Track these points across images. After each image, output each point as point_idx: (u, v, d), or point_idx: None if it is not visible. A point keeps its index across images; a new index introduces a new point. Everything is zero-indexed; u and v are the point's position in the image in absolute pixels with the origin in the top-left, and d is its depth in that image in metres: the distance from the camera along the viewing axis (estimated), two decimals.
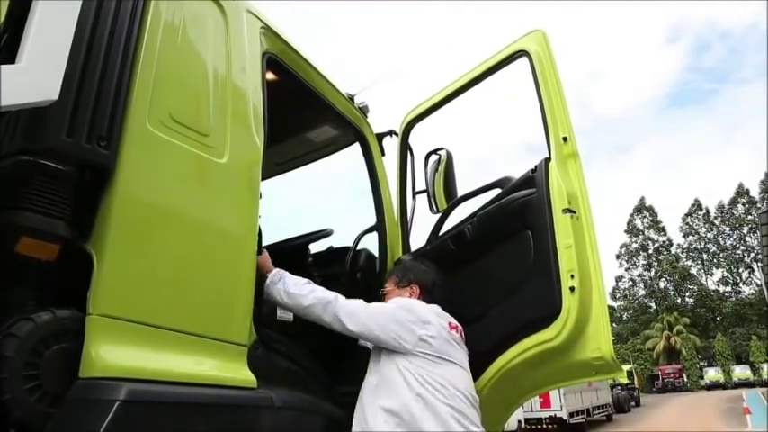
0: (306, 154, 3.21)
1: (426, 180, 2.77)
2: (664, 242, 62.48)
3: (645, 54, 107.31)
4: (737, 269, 59.48)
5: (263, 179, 1.89)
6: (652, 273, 61.62)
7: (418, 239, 2.72)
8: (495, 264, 2.15)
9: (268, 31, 2.12)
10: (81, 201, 1.35)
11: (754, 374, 43.16)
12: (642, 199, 64.71)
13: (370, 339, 1.92)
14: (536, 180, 2.09)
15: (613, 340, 1.99)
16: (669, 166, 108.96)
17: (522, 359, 1.96)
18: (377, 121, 2.89)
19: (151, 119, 1.48)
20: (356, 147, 2.93)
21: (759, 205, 53.59)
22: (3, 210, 1.26)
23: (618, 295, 62.44)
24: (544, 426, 14.58)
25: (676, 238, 63.12)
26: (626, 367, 32.71)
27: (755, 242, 53.34)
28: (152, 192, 1.46)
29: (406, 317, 1.87)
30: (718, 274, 60.78)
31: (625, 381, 27.18)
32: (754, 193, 58.35)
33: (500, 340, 2.02)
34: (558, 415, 14.41)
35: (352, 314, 1.87)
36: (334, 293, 1.92)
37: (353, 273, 2.55)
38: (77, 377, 1.23)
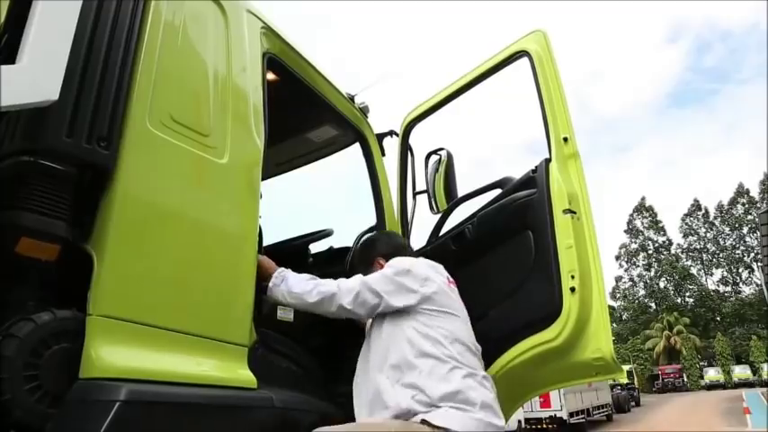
0: (306, 154, 3.21)
1: (427, 180, 2.77)
2: (663, 242, 62.51)
3: (645, 54, 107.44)
4: (737, 269, 59.48)
5: (263, 179, 1.89)
6: (652, 273, 61.62)
7: (418, 240, 2.72)
8: (496, 264, 2.14)
9: (268, 31, 2.12)
10: (81, 201, 1.34)
11: (754, 374, 43.15)
12: (642, 199, 64.80)
13: (379, 312, 1.88)
14: (536, 180, 2.09)
15: (613, 340, 1.98)
16: (669, 165, 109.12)
17: (523, 360, 1.95)
18: (377, 122, 2.90)
19: (151, 119, 1.47)
20: (356, 147, 2.93)
21: (759, 205, 53.57)
22: (3, 210, 1.26)
23: (618, 295, 62.48)
24: (544, 426, 14.57)
25: (676, 237, 63.23)
26: (626, 367, 32.74)
27: (755, 242, 53.35)
28: (152, 192, 1.46)
29: (406, 279, 1.85)
30: (718, 274, 60.88)
31: (625, 381, 27.19)
32: (754, 192, 58.43)
33: (500, 341, 2.02)
34: (558, 415, 14.40)
35: (355, 298, 1.85)
36: (336, 283, 1.89)
37: (354, 273, 2.54)
38: (77, 378, 1.23)
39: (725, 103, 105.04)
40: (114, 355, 1.26)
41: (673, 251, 62.19)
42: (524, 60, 2.30)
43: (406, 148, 2.88)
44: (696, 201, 63.54)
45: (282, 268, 1.93)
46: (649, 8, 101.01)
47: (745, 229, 58.92)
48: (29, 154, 1.26)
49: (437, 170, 2.73)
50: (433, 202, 2.70)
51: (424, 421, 1.63)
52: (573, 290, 1.85)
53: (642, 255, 62.57)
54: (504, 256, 2.14)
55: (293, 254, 2.52)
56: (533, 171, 2.13)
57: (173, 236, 1.49)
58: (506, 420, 2.33)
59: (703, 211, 62.36)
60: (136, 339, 1.32)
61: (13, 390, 1.15)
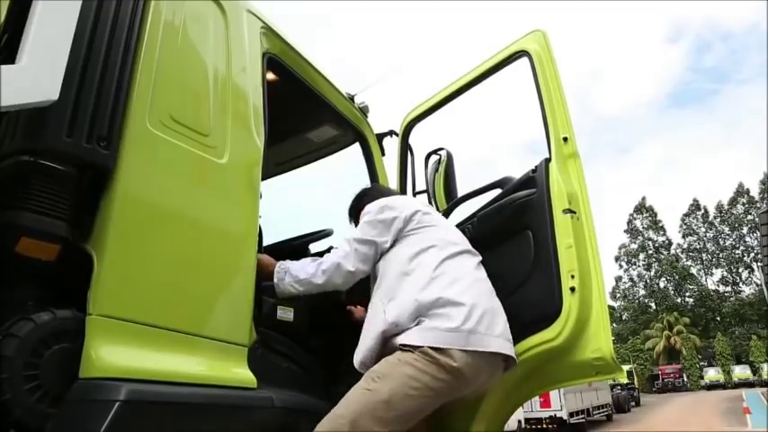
0: (306, 154, 3.21)
1: (426, 180, 2.77)
2: (663, 242, 62.50)
3: (645, 54, 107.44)
4: (737, 269, 59.47)
5: (263, 179, 1.89)
6: (652, 273, 61.62)
7: None
8: (496, 264, 2.14)
9: (268, 31, 2.12)
10: (81, 201, 1.34)
11: (754, 374, 43.15)
12: (643, 199, 64.80)
13: (378, 256, 1.91)
14: (536, 180, 2.09)
15: (613, 340, 1.98)
16: (669, 165, 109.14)
17: (523, 359, 1.95)
18: (377, 121, 2.90)
19: (151, 119, 1.48)
20: (356, 147, 2.93)
21: (759, 205, 53.56)
22: (3, 210, 1.26)
23: (618, 295, 62.49)
24: (544, 426, 14.57)
25: (676, 237, 63.23)
26: (626, 367, 32.76)
27: (755, 242, 53.35)
28: (152, 192, 1.46)
29: (385, 214, 1.91)
30: (717, 274, 60.87)
31: (625, 381, 27.18)
32: (755, 192, 58.40)
33: None
34: (558, 415, 14.41)
35: (355, 257, 1.87)
36: (332, 255, 1.92)
37: None
38: (77, 377, 1.23)
39: (725, 103, 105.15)
40: (114, 354, 1.26)
41: (673, 251, 62.18)
42: (524, 60, 2.30)
43: (405, 148, 2.88)
44: (695, 200, 63.60)
45: (281, 262, 1.94)
46: (649, 8, 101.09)
47: (744, 229, 58.90)
48: (29, 154, 1.26)
49: (437, 170, 2.73)
50: (433, 202, 2.70)
51: (402, 345, 1.63)
52: (573, 290, 1.85)
53: (642, 255, 62.55)
54: (503, 255, 2.13)
55: (293, 254, 2.51)
56: (533, 171, 2.13)
57: (172, 236, 1.50)
58: (506, 420, 2.34)
59: (702, 211, 62.36)
60: (136, 339, 1.32)
61: (13, 389, 1.15)
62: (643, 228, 63.15)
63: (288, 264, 1.93)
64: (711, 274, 61.14)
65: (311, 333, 2.16)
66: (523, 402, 2.48)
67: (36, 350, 1.21)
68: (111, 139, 1.36)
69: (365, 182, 2.79)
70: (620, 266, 63.27)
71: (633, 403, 26.40)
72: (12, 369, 1.16)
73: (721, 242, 60.98)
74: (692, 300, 59.17)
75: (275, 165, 3.18)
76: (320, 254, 2.78)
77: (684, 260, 61.55)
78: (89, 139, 1.32)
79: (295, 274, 1.89)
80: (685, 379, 46.16)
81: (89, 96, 1.34)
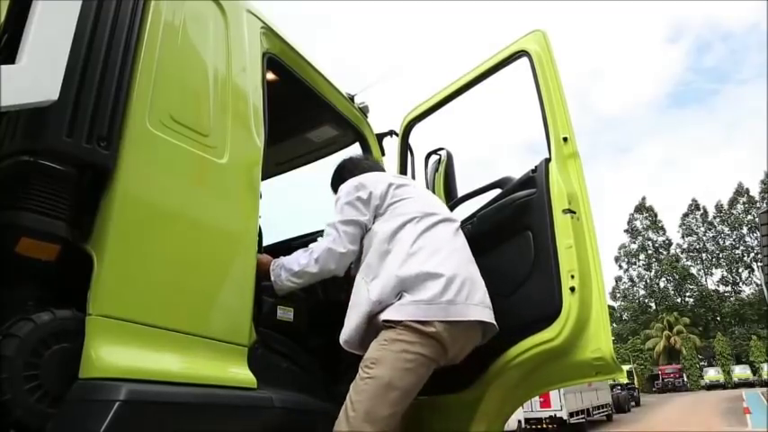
0: (306, 154, 3.21)
1: (426, 180, 2.77)
2: (663, 242, 62.48)
3: (646, 54, 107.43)
4: (737, 269, 59.45)
5: (263, 179, 1.89)
6: (652, 273, 61.60)
7: None
8: (495, 264, 2.14)
9: (268, 31, 2.12)
10: (81, 201, 1.34)
11: (754, 374, 43.14)
12: (643, 199, 64.78)
13: (364, 234, 1.95)
14: (536, 180, 2.09)
15: (613, 340, 1.98)
16: (669, 165, 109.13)
17: (523, 360, 1.95)
18: (377, 121, 2.90)
19: (151, 119, 1.48)
20: (356, 147, 2.93)
21: (759, 204, 53.53)
22: (3, 210, 1.26)
23: (618, 295, 62.47)
24: (544, 426, 14.57)
25: (676, 237, 63.20)
26: (626, 367, 32.76)
27: (755, 242, 53.34)
28: (152, 192, 1.46)
29: (361, 192, 1.95)
30: (717, 274, 60.85)
31: (625, 381, 27.18)
32: (754, 192, 58.37)
33: (500, 341, 2.02)
34: (558, 415, 14.41)
35: (344, 239, 1.90)
36: (324, 243, 1.93)
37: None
38: (77, 377, 1.23)
39: (725, 103, 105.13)
40: (114, 355, 1.26)
41: (672, 251, 62.16)
42: (524, 60, 2.30)
43: (405, 148, 2.88)
44: (694, 200, 63.59)
45: (276, 259, 1.95)
46: (650, 8, 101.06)
47: (744, 229, 58.89)
48: (29, 154, 1.26)
49: (437, 170, 2.73)
50: None
51: (385, 322, 1.70)
52: (573, 290, 1.85)
53: (642, 255, 62.53)
54: (503, 255, 2.13)
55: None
56: (533, 171, 2.13)
57: (172, 236, 1.49)
58: (506, 420, 2.34)
59: (702, 211, 62.35)
60: (136, 339, 1.32)
61: (13, 389, 1.15)
62: (643, 228, 63.13)
63: (282, 260, 1.95)
64: (711, 275, 61.18)
65: (311, 333, 2.16)
66: (523, 402, 2.48)
67: (36, 350, 1.20)
68: (111, 139, 1.36)
69: None
70: (620, 267, 63.30)
71: (633, 403, 26.39)
72: (12, 369, 1.16)
73: (721, 242, 60.96)
74: (692, 300, 59.15)
75: (275, 165, 3.18)
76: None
77: (684, 260, 61.53)
78: (89, 140, 1.32)
79: (289, 267, 1.90)
80: (685, 379, 46.15)
81: (89, 96, 1.34)
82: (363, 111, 2.82)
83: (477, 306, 1.78)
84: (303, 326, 2.08)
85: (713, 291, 59.29)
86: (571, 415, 14.82)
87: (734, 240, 60.20)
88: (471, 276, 1.84)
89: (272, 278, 1.90)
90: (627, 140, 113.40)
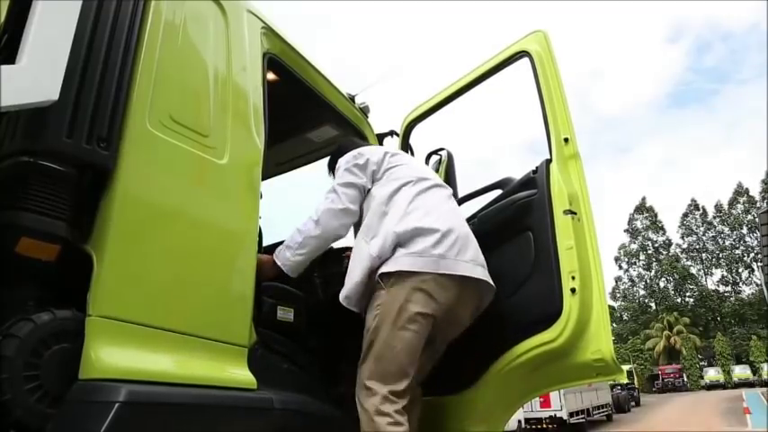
0: (306, 154, 3.21)
1: None
2: (663, 242, 62.46)
3: (646, 54, 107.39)
4: (737, 269, 59.42)
5: (263, 179, 1.89)
6: (652, 273, 61.58)
7: None
8: (496, 264, 2.14)
9: (268, 31, 2.12)
10: (81, 201, 1.34)
11: (754, 374, 43.12)
12: (643, 199, 64.76)
13: (362, 197, 2.03)
14: (537, 181, 2.09)
15: (613, 340, 1.98)
16: (670, 165, 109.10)
17: (523, 360, 1.95)
18: (377, 121, 2.89)
19: (151, 119, 1.47)
20: None
21: (759, 204, 53.49)
22: (3, 210, 1.26)
23: (618, 295, 62.45)
24: (544, 426, 14.58)
25: (676, 237, 63.15)
26: (626, 367, 32.73)
27: (755, 242, 53.32)
28: (152, 192, 1.46)
29: (358, 159, 2.05)
30: (717, 274, 60.81)
31: (625, 381, 27.16)
32: (754, 192, 58.32)
33: (500, 341, 2.02)
34: (558, 415, 14.41)
35: (344, 197, 1.98)
36: (323, 205, 1.98)
37: None
38: (77, 378, 1.23)
39: (725, 103, 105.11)
40: (114, 355, 1.26)
41: (672, 251, 62.11)
42: (525, 60, 2.29)
43: (406, 148, 2.88)
44: (693, 200, 63.54)
45: (275, 253, 1.96)
46: (650, 8, 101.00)
47: (744, 229, 58.85)
48: (29, 154, 1.26)
49: (437, 170, 2.73)
50: None
51: (381, 275, 1.79)
52: (573, 291, 1.85)
53: (642, 255, 62.51)
54: (504, 256, 2.13)
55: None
56: (534, 172, 2.13)
57: (172, 237, 1.49)
58: (506, 420, 2.34)
59: (701, 211, 62.31)
60: (135, 340, 1.32)
61: (13, 389, 1.15)
62: (643, 228, 63.10)
63: (280, 248, 1.96)
64: (711, 275, 61.14)
65: (311, 333, 2.16)
66: (524, 403, 2.48)
67: (36, 350, 1.20)
68: (110, 139, 1.36)
69: None
70: (620, 267, 63.28)
71: (633, 403, 26.39)
72: (12, 369, 1.16)
73: (721, 242, 60.93)
74: (692, 300, 59.12)
75: (275, 165, 3.18)
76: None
77: (684, 260, 61.50)
78: (89, 140, 1.32)
79: (292, 242, 1.94)
80: (685, 379, 46.14)
81: (89, 97, 1.34)
82: (364, 111, 2.81)
83: (468, 263, 1.85)
84: (303, 326, 2.07)
85: (713, 291, 59.26)
86: (571, 415, 14.82)
87: (734, 240, 60.17)
88: (464, 234, 1.92)
89: (280, 263, 1.92)
90: (627, 140, 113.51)
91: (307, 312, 2.08)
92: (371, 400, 1.71)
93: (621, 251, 63.24)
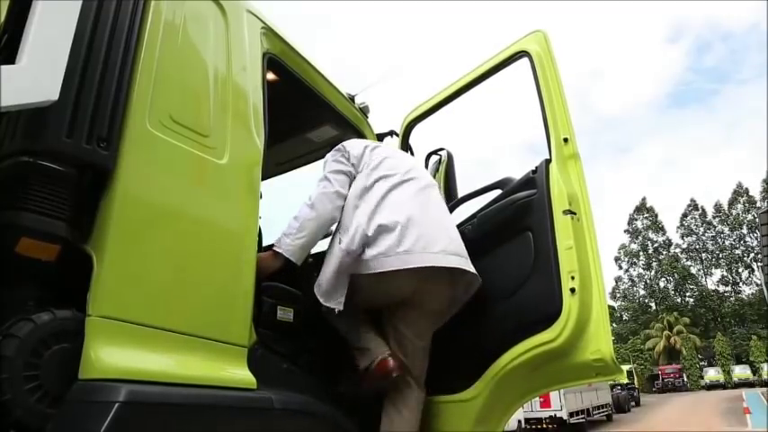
0: (306, 154, 3.21)
1: None
2: (663, 242, 62.43)
3: (646, 54, 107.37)
4: (737, 269, 59.40)
5: (263, 179, 1.89)
6: (652, 273, 61.55)
7: None
8: (496, 265, 2.14)
9: (268, 32, 2.12)
10: (81, 201, 1.34)
11: (754, 374, 43.12)
12: (643, 199, 64.74)
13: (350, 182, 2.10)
14: (536, 181, 2.09)
15: (613, 340, 1.99)
16: (670, 165, 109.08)
17: (522, 361, 1.95)
18: (377, 122, 2.89)
19: (151, 119, 1.47)
20: None
21: (759, 204, 53.46)
22: (3, 210, 1.26)
23: (618, 295, 62.44)
24: (544, 426, 14.59)
25: (676, 237, 63.11)
26: (626, 367, 32.75)
27: (755, 242, 53.29)
28: (152, 193, 1.46)
29: (345, 149, 2.14)
30: (717, 274, 60.79)
31: (625, 381, 27.17)
32: (754, 191, 58.29)
33: (500, 342, 2.02)
34: (558, 415, 14.43)
35: (335, 182, 2.06)
36: (316, 191, 2.05)
37: None
38: (77, 378, 1.23)
39: (725, 103, 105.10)
40: (114, 355, 1.26)
41: (672, 251, 62.07)
42: (524, 61, 2.29)
43: (406, 149, 2.88)
44: (693, 200, 63.52)
45: (275, 243, 2.00)
46: (650, 8, 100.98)
47: (744, 229, 58.81)
48: (29, 154, 1.26)
49: (437, 170, 2.73)
50: None
51: (352, 276, 1.88)
52: (573, 291, 1.85)
53: (642, 255, 62.48)
54: (503, 256, 2.13)
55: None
56: (533, 172, 2.12)
57: (172, 237, 1.49)
58: (506, 420, 2.34)
59: (700, 211, 62.29)
60: (135, 340, 1.32)
61: (13, 389, 1.15)
62: (643, 228, 63.09)
63: (278, 241, 1.99)
64: (711, 275, 61.12)
65: (311, 333, 2.16)
66: (523, 403, 2.48)
67: (36, 350, 1.20)
68: (110, 139, 1.36)
69: None
70: (620, 267, 63.27)
71: (633, 403, 26.41)
72: (12, 369, 1.15)
73: (720, 242, 60.91)
74: (692, 300, 59.10)
75: (275, 165, 3.18)
76: (320, 254, 2.78)
77: (684, 260, 61.47)
78: (89, 140, 1.32)
79: (291, 229, 1.97)
80: (685, 379, 46.15)
81: (89, 97, 1.34)
82: (364, 111, 2.81)
83: (438, 254, 1.89)
84: (303, 326, 2.07)
85: (713, 291, 59.24)
86: (571, 415, 14.84)
87: (734, 240, 60.15)
88: (434, 224, 1.97)
89: (282, 250, 1.94)
90: (627, 140, 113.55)
91: (307, 312, 2.09)
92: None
93: (622, 251, 63.23)
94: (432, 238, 1.91)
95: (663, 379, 44.96)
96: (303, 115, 2.80)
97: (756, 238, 48.06)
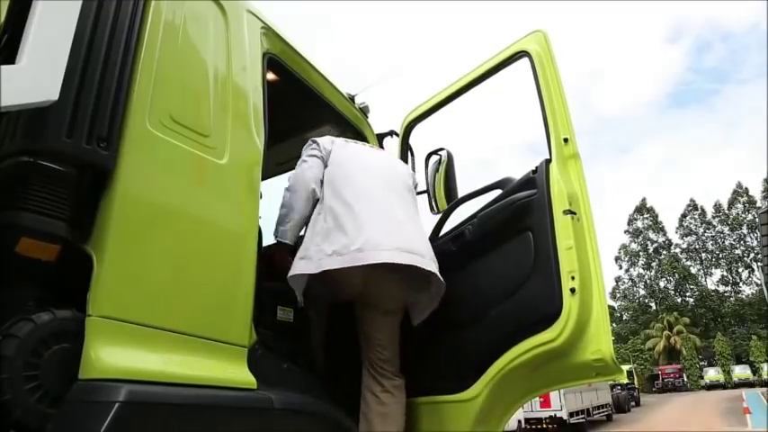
0: None
1: (427, 180, 2.76)
2: (663, 242, 62.43)
3: (646, 54, 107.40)
4: (737, 269, 59.39)
5: (263, 179, 1.89)
6: (652, 273, 61.55)
7: None
8: (496, 265, 2.14)
9: (268, 32, 2.12)
10: (81, 201, 1.34)
11: (754, 374, 43.09)
12: (643, 200, 64.74)
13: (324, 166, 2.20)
14: (537, 181, 2.08)
15: (613, 340, 1.99)
16: (670, 165, 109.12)
17: (522, 361, 1.95)
18: (377, 122, 2.90)
19: (151, 119, 1.47)
20: None
21: (759, 204, 53.46)
22: (3, 210, 1.26)
23: (618, 295, 62.43)
24: (544, 426, 14.58)
25: (675, 238, 63.09)
26: (626, 367, 32.74)
27: (755, 242, 53.31)
28: (152, 193, 1.46)
29: (317, 140, 2.24)
30: (717, 274, 60.78)
31: (625, 381, 27.16)
32: (754, 191, 58.26)
33: (500, 342, 2.02)
34: (558, 415, 14.41)
35: (311, 164, 2.17)
36: (294, 173, 2.17)
37: None
38: (77, 378, 1.23)
39: (725, 103, 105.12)
40: (114, 355, 1.26)
41: (672, 251, 62.06)
42: (525, 61, 2.29)
43: (406, 149, 2.88)
44: (692, 200, 63.48)
45: (274, 235, 2.12)
46: (650, 8, 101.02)
47: (744, 229, 58.80)
48: (29, 154, 1.26)
49: (437, 170, 2.73)
50: (434, 203, 2.70)
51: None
52: (573, 291, 1.85)
53: (642, 255, 62.48)
54: (504, 256, 2.13)
55: (293, 253, 2.51)
56: (533, 172, 2.12)
57: (172, 237, 1.49)
58: (506, 420, 2.34)
59: (700, 211, 62.28)
60: (135, 340, 1.32)
61: (13, 389, 1.15)
62: (644, 228, 63.08)
63: (275, 227, 2.12)
64: (711, 275, 61.11)
65: (311, 333, 2.16)
66: (523, 403, 2.48)
67: (36, 350, 1.20)
68: (110, 139, 1.36)
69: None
70: (620, 267, 63.27)
71: (633, 403, 26.39)
72: (12, 369, 1.16)
73: (720, 242, 60.90)
74: (692, 300, 59.10)
75: (275, 165, 3.18)
76: None
77: (684, 260, 61.46)
78: (89, 140, 1.32)
79: (280, 217, 2.12)
80: (685, 379, 46.13)
81: (89, 97, 1.34)
82: (364, 111, 2.81)
83: (393, 251, 1.91)
84: (303, 326, 2.08)
85: (713, 291, 59.23)
86: (571, 415, 14.83)
87: (734, 240, 60.14)
88: (388, 222, 2.01)
89: (280, 238, 2.08)
90: (627, 140, 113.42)
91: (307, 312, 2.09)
92: None
93: (622, 251, 63.24)
94: (388, 235, 1.95)
95: (663, 379, 44.95)
96: (303, 115, 2.81)
97: (756, 238, 48.06)
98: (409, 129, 2.85)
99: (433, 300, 2.13)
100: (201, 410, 1.39)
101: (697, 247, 61.80)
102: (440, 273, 2.08)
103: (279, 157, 3.14)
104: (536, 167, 2.13)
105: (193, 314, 1.50)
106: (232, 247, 1.69)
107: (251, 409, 1.56)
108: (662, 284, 60.81)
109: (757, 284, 53.45)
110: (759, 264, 43.92)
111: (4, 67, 1.11)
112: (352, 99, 2.74)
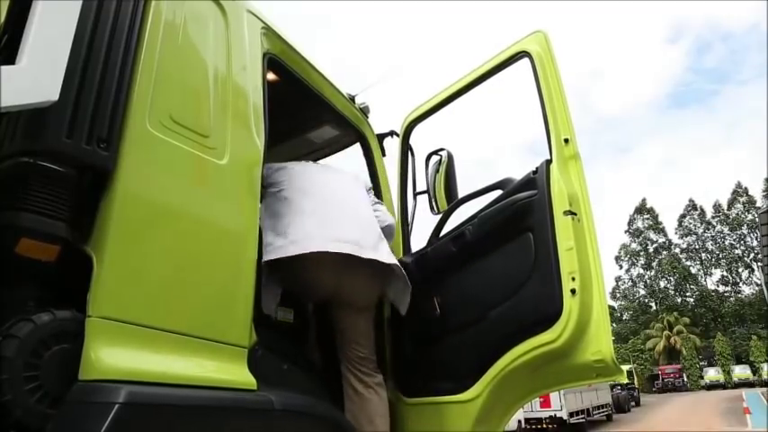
0: (306, 154, 3.21)
1: (427, 181, 2.76)
2: (663, 242, 62.41)
3: (646, 54, 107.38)
4: (737, 269, 59.36)
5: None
6: (652, 273, 61.53)
7: (419, 240, 2.72)
8: (496, 265, 2.14)
9: (269, 32, 2.12)
10: (81, 202, 1.34)
11: (754, 374, 43.10)
12: (643, 200, 64.71)
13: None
14: (537, 182, 2.08)
15: (613, 340, 1.99)
16: (670, 166, 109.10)
17: (523, 361, 1.95)
18: (377, 122, 2.89)
19: (151, 120, 1.47)
20: (357, 147, 2.93)
21: (759, 204, 53.43)
22: (3, 210, 1.26)
23: (618, 295, 62.43)
24: (544, 426, 14.59)
25: (675, 238, 63.05)
26: (626, 367, 32.75)
27: (755, 242, 53.29)
28: (152, 193, 1.45)
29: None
30: (717, 274, 60.75)
31: (625, 381, 27.16)
32: (754, 191, 58.22)
33: (500, 342, 2.02)
34: (558, 415, 14.43)
35: None
36: None
37: None
38: (77, 379, 1.23)
39: (725, 104, 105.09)
40: (114, 356, 1.26)
41: (672, 251, 62.02)
42: (525, 61, 2.29)
43: (406, 149, 2.88)
44: (691, 200, 63.45)
45: None
46: (650, 8, 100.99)
47: (744, 229, 58.77)
48: (29, 155, 1.26)
49: (438, 171, 2.73)
50: (434, 203, 2.70)
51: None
52: (573, 292, 1.85)
53: (642, 255, 62.46)
54: (504, 257, 2.13)
55: None
56: (534, 172, 2.12)
57: (172, 237, 1.49)
58: (506, 421, 2.34)
59: (699, 211, 62.25)
60: (135, 341, 1.32)
61: (13, 390, 1.15)
62: (644, 228, 63.06)
63: None
64: (711, 275, 61.08)
65: (311, 334, 2.16)
66: (524, 404, 2.48)
67: (36, 351, 1.20)
68: (111, 140, 1.35)
69: (365, 181, 2.78)
70: (620, 267, 63.26)
71: (633, 403, 26.42)
72: (12, 370, 1.15)
73: (720, 242, 60.88)
74: (692, 300, 59.08)
75: None
76: None
77: (684, 260, 61.43)
78: (89, 141, 1.31)
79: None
80: (685, 379, 46.14)
81: (89, 97, 1.33)
82: (364, 111, 2.81)
83: (333, 242, 1.97)
84: (303, 327, 2.07)
85: (713, 291, 59.21)
86: (571, 415, 14.84)
87: (734, 240, 60.12)
88: (327, 214, 2.08)
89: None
90: (627, 140, 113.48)
91: (307, 312, 2.09)
92: None
93: (622, 251, 63.21)
94: (326, 227, 2.02)
95: (663, 379, 44.97)
96: (303, 115, 2.80)
97: (756, 238, 48.03)
98: (410, 129, 2.85)
99: (405, 289, 2.21)
100: (201, 411, 1.39)
101: (697, 247, 61.79)
102: (440, 273, 2.08)
103: (279, 157, 3.14)
104: (536, 168, 2.12)
105: (193, 315, 1.50)
106: (232, 247, 1.69)
107: (251, 410, 1.56)
108: (662, 284, 60.83)
109: (757, 284, 53.43)
110: (759, 264, 43.88)
111: (4, 67, 1.11)
112: (352, 99, 2.74)
